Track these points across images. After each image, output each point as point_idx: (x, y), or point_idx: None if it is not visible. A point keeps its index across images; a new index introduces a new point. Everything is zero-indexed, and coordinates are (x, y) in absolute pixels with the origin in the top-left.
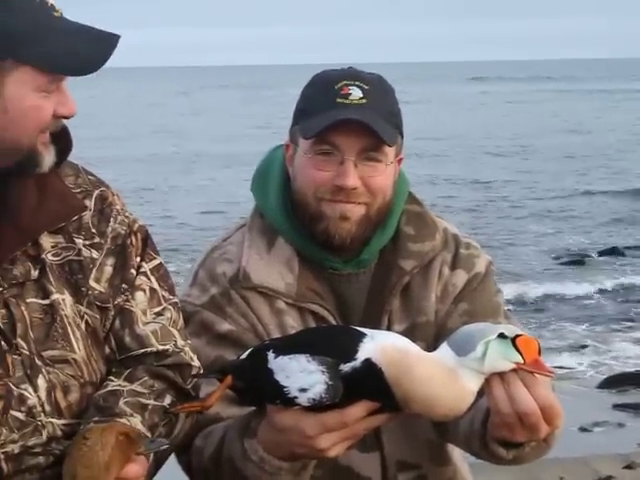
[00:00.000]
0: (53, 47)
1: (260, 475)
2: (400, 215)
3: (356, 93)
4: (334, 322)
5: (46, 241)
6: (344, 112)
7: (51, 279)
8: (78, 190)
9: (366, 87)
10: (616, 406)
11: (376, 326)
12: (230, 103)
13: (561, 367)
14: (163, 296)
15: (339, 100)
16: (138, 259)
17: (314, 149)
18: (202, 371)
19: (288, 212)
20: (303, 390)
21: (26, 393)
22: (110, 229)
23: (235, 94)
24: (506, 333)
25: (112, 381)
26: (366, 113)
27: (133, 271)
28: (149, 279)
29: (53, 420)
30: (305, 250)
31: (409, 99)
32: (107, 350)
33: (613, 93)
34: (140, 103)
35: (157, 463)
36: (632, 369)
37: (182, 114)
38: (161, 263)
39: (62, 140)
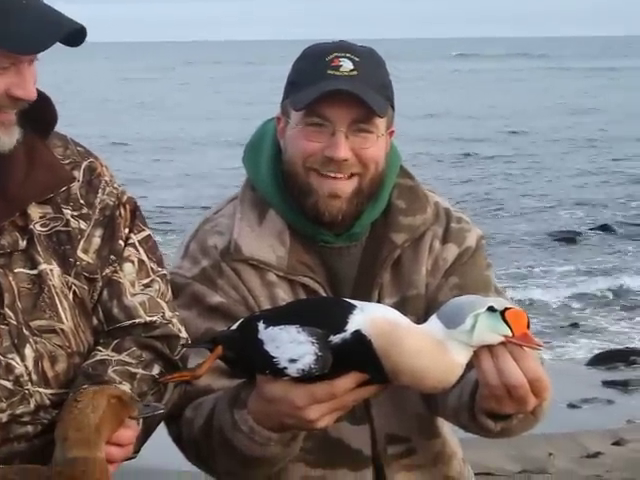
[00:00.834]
0: (3, 24)
1: (250, 445)
2: (392, 189)
3: (347, 65)
4: (325, 295)
5: (34, 212)
6: (335, 83)
7: (39, 249)
8: (67, 161)
9: (357, 59)
10: (605, 383)
11: (367, 299)
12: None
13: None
14: (152, 268)
15: (330, 72)
16: (127, 230)
17: (305, 121)
18: (190, 342)
19: (279, 185)
20: (293, 361)
21: (13, 362)
22: (98, 200)
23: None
24: (495, 306)
25: (100, 351)
26: (357, 84)
27: (121, 242)
28: (138, 251)
29: (40, 389)
30: (296, 223)
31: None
32: (95, 321)
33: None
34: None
35: (146, 432)
36: (621, 346)
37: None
38: (150, 235)
39: (45, 112)
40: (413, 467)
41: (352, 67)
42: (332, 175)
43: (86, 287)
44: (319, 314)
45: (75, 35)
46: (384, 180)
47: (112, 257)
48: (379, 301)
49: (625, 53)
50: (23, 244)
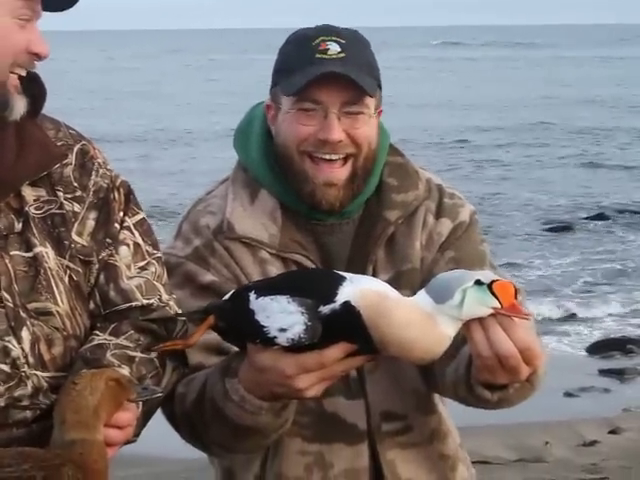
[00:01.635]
0: None
1: (241, 414)
2: (383, 167)
3: (334, 48)
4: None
5: (28, 194)
6: (324, 66)
7: (34, 232)
8: (59, 144)
9: (343, 41)
10: (602, 372)
11: None
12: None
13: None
14: (147, 251)
15: (318, 55)
16: (121, 214)
17: (297, 106)
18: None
19: (271, 166)
20: (282, 330)
21: (10, 345)
22: (92, 182)
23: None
24: (482, 279)
25: (98, 335)
26: (346, 66)
27: (117, 225)
28: (133, 234)
29: (37, 372)
30: (288, 202)
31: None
32: (92, 305)
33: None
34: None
35: (146, 415)
36: (618, 335)
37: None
38: (144, 218)
39: (34, 88)
40: (408, 445)
41: (339, 49)
42: (327, 158)
43: (81, 270)
44: (309, 285)
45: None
46: (376, 159)
47: (107, 240)
48: (373, 277)
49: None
50: (19, 227)
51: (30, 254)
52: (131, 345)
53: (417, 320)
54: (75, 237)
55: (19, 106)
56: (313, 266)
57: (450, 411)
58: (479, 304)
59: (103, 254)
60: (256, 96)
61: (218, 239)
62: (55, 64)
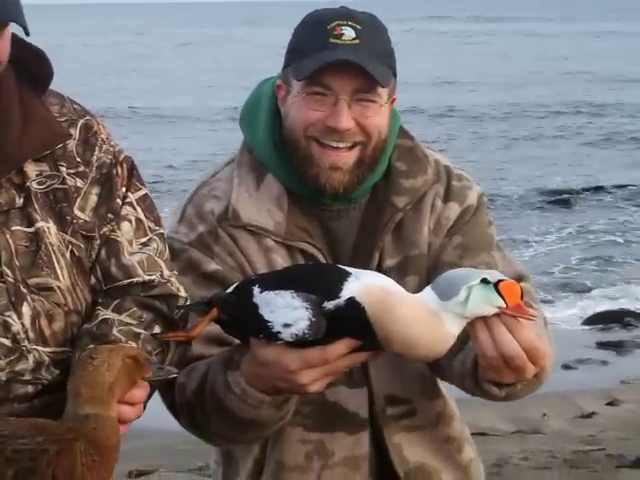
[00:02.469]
0: None
1: (242, 408)
2: (392, 150)
3: (349, 33)
4: (323, 260)
5: (31, 169)
6: (337, 53)
7: (36, 207)
8: (63, 119)
9: (359, 27)
10: (600, 344)
11: (367, 262)
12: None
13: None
14: (149, 227)
15: (332, 40)
16: (124, 189)
17: (307, 90)
18: (188, 302)
19: (277, 148)
20: (287, 325)
21: (10, 320)
22: (95, 158)
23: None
24: (489, 278)
25: (101, 311)
26: (359, 54)
27: (119, 201)
28: (135, 209)
29: (38, 347)
30: (294, 187)
31: None
32: (93, 280)
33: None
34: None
35: (148, 394)
36: (616, 307)
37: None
38: (147, 194)
39: (41, 67)
40: (413, 428)
41: (354, 35)
42: (334, 145)
43: (83, 245)
44: (314, 280)
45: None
46: (385, 146)
47: (110, 216)
48: (380, 263)
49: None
50: (20, 202)
51: (31, 229)
52: (134, 322)
53: (422, 317)
54: (77, 212)
55: None
56: (319, 254)
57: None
58: (484, 302)
59: (105, 229)
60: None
61: (222, 226)
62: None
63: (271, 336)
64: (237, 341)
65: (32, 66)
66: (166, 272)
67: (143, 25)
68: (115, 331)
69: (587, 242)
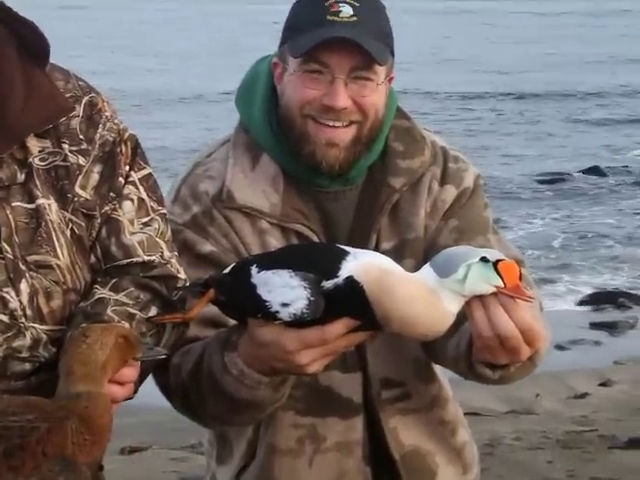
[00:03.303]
0: None
1: (239, 389)
2: (388, 131)
3: (347, 10)
4: (319, 241)
5: (33, 145)
6: (334, 30)
7: (37, 183)
8: (67, 95)
9: (357, 4)
10: (593, 325)
11: (364, 244)
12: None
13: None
14: (151, 207)
15: (329, 17)
16: (127, 168)
17: (303, 67)
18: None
19: (273, 129)
20: (285, 305)
21: (8, 297)
22: (98, 136)
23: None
24: (488, 257)
25: (98, 289)
26: (356, 31)
27: (121, 180)
28: (137, 189)
29: (36, 325)
30: (290, 167)
31: None
32: (93, 259)
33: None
34: None
35: (144, 372)
36: (609, 287)
37: None
38: (150, 173)
39: (36, 39)
40: (408, 411)
41: (352, 13)
42: (330, 124)
43: (84, 224)
44: (312, 259)
45: None
46: (382, 125)
47: (111, 194)
48: (377, 246)
49: None
50: (21, 177)
51: (32, 206)
52: (131, 302)
53: (421, 296)
54: (78, 190)
55: None
56: (314, 236)
57: None
58: (482, 281)
59: (106, 208)
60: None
61: (217, 207)
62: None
63: (269, 316)
64: (232, 323)
65: (30, 39)
66: (167, 253)
67: None
68: (109, 311)
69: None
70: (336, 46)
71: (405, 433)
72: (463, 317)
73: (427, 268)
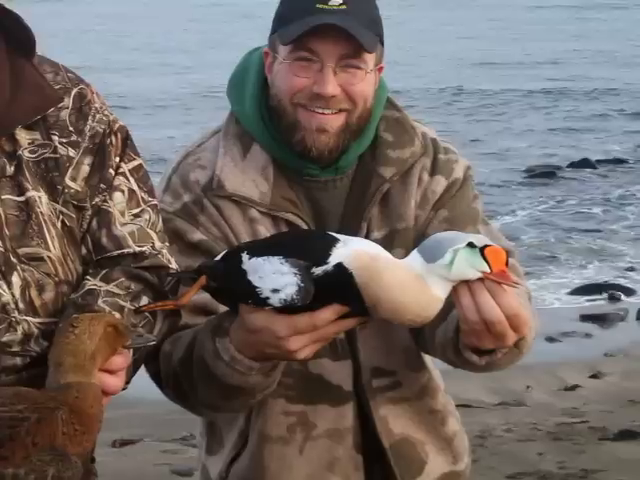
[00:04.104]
0: None
1: (231, 374)
2: (379, 121)
3: None
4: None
5: (22, 137)
6: (323, 18)
7: (27, 176)
8: (57, 87)
9: None
10: (584, 317)
11: (354, 233)
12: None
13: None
14: (142, 198)
15: (318, 5)
16: (117, 159)
17: (292, 55)
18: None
19: (264, 118)
20: (275, 291)
21: (0, 290)
22: (88, 127)
23: None
24: (475, 242)
25: (89, 280)
26: (345, 19)
27: (112, 171)
28: (128, 180)
29: (28, 318)
30: (281, 157)
31: None
32: (84, 250)
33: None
34: None
35: (136, 362)
36: (600, 280)
37: None
38: (141, 164)
39: (21, 31)
40: (399, 400)
41: (341, 1)
42: (320, 111)
43: (74, 216)
44: (303, 246)
45: None
46: (372, 114)
47: (102, 186)
48: (367, 235)
49: None
50: (11, 170)
51: (22, 198)
52: (121, 293)
53: (409, 282)
54: (69, 182)
55: None
56: (304, 225)
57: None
58: (469, 266)
59: (97, 199)
60: None
61: (208, 196)
62: None
63: (260, 302)
64: (223, 310)
65: (16, 31)
66: (157, 244)
67: None
68: (100, 302)
69: (568, 216)
70: (325, 34)
71: (395, 422)
72: (452, 304)
73: (415, 254)
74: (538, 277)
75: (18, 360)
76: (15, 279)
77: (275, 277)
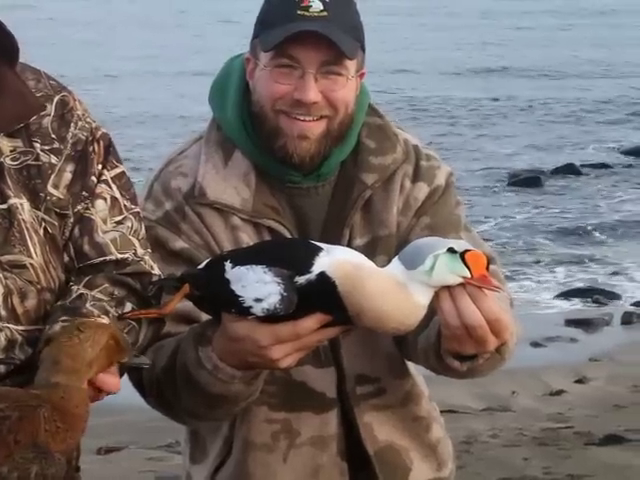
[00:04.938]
0: None
1: (213, 383)
2: (361, 128)
3: (317, 5)
4: (291, 237)
5: (4, 145)
6: (304, 24)
7: (9, 183)
8: (39, 94)
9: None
10: (568, 322)
11: (337, 240)
12: None
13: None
14: (124, 205)
15: (299, 12)
16: (100, 167)
17: (273, 62)
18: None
19: (246, 125)
20: (258, 300)
21: None
22: (70, 135)
23: None
24: (455, 248)
25: (75, 286)
26: (326, 26)
27: (94, 178)
28: (110, 187)
29: (10, 325)
30: (262, 164)
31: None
32: (66, 258)
33: None
34: None
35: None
36: (585, 285)
37: None
38: (123, 172)
39: (6, 39)
40: (383, 407)
41: (322, 8)
42: (301, 118)
43: (57, 223)
44: (286, 255)
45: None
46: (353, 120)
47: (84, 193)
48: (349, 242)
49: None
50: None
51: (4, 206)
52: (106, 299)
53: (391, 290)
54: (51, 189)
55: None
56: (286, 232)
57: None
58: (449, 272)
59: (79, 207)
60: None
61: (189, 204)
62: None
63: (243, 311)
64: (205, 319)
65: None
66: (140, 250)
67: None
68: (88, 305)
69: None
70: (306, 41)
71: (379, 428)
72: (434, 310)
73: (395, 261)
74: (523, 282)
75: (2, 368)
76: None
77: (258, 286)
